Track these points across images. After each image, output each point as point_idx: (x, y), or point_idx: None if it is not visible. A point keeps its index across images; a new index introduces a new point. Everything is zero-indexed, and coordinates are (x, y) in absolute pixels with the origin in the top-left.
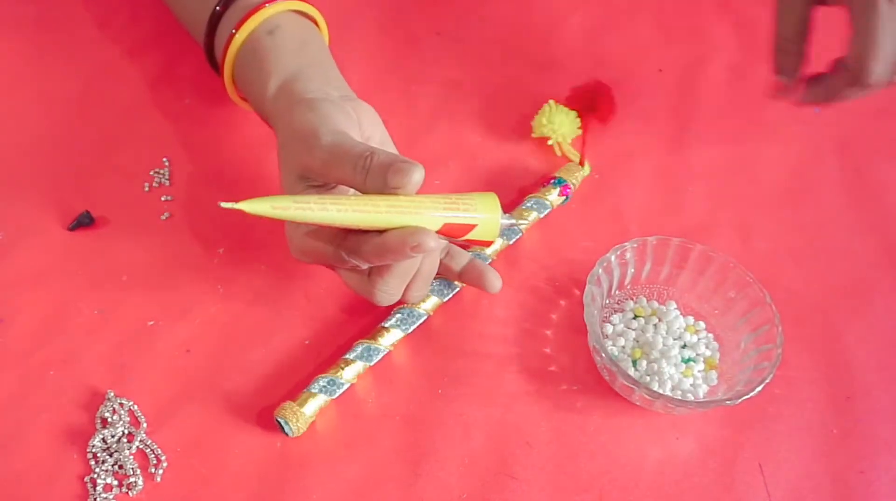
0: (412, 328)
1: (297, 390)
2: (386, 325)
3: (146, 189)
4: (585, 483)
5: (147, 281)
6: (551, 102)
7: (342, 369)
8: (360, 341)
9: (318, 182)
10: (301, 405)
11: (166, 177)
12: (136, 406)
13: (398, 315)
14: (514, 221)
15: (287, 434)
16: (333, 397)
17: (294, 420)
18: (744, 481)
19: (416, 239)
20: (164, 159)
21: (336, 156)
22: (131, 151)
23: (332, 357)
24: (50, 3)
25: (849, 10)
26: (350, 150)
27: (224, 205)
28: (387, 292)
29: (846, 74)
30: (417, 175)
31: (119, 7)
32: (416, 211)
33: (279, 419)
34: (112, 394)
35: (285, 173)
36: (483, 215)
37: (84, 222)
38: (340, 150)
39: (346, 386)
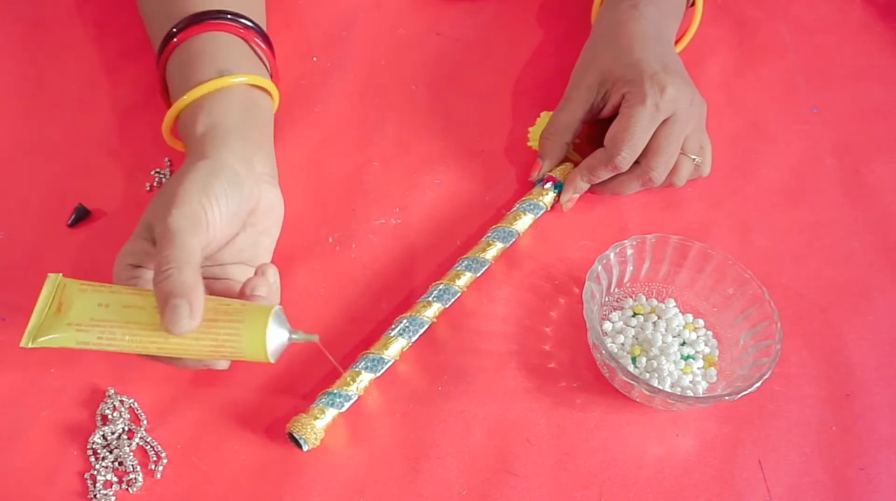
0: (416, 336)
1: (297, 387)
2: (391, 334)
3: (147, 188)
4: (585, 479)
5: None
6: (544, 113)
7: (351, 382)
8: (366, 352)
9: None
10: (315, 419)
11: (167, 176)
12: (136, 403)
13: (402, 323)
14: (298, 336)
15: (300, 448)
16: (342, 410)
17: (312, 437)
18: (743, 477)
19: (212, 367)
20: (166, 159)
21: (161, 240)
22: (132, 150)
23: (335, 355)
24: (49, 3)
25: (622, 99)
26: (169, 247)
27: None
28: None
29: (602, 155)
30: (182, 324)
31: (119, 7)
32: (183, 352)
33: (294, 434)
34: (112, 391)
35: (140, 223)
36: (247, 348)
37: (81, 215)
38: (168, 236)
39: (354, 399)
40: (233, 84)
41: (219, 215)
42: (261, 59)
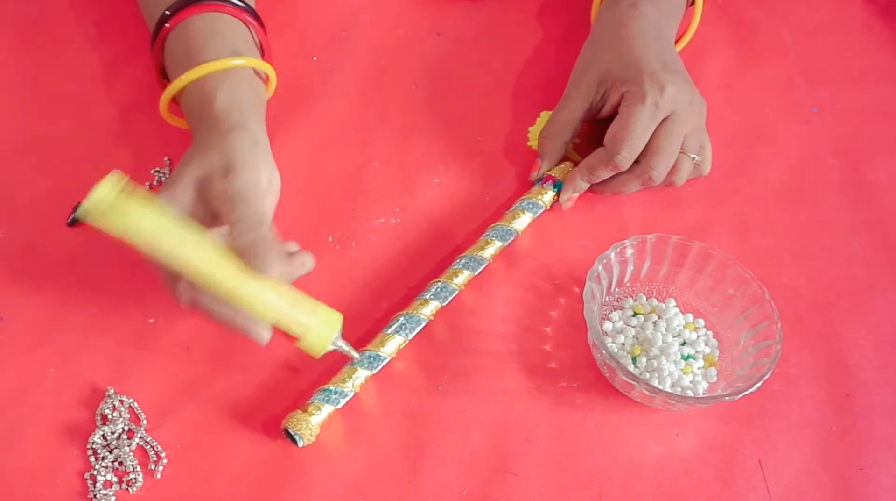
0: (413, 334)
1: (296, 387)
2: (388, 332)
3: (147, 187)
4: (585, 479)
5: (147, 278)
6: (544, 113)
7: (347, 379)
8: (362, 349)
9: (211, 205)
10: (311, 415)
11: (167, 176)
12: (136, 403)
13: (399, 321)
14: (348, 348)
15: (295, 444)
16: (338, 407)
17: (307, 433)
18: (743, 477)
19: (253, 334)
20: (165, 158)
21: (233, 201)
22: (132, 149)
23: (335, 356)
24: (49, 3)
25: (621, 98)
26: (245, 207)
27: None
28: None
29: (602, 154)
30: (274, 266)
31: (119, 7)
32: (253, 306)
33: (289, 430)
34: (112, 391)
35: (186, 175)
36: (313, 333)
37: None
38: (240, 198)
39: (350, 396)
40: (244, 66)
41: (276, 180)
42: (255, 41)
